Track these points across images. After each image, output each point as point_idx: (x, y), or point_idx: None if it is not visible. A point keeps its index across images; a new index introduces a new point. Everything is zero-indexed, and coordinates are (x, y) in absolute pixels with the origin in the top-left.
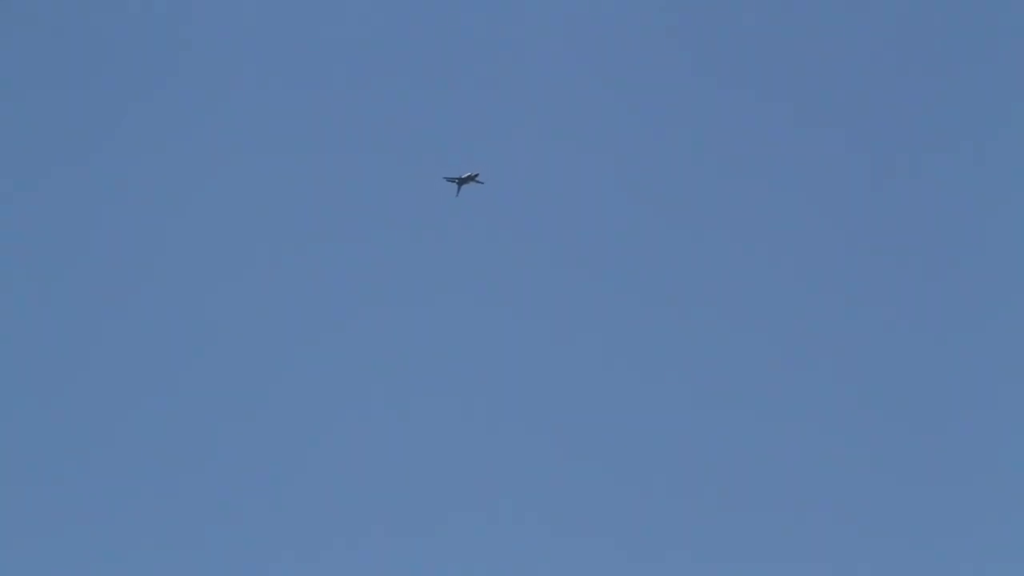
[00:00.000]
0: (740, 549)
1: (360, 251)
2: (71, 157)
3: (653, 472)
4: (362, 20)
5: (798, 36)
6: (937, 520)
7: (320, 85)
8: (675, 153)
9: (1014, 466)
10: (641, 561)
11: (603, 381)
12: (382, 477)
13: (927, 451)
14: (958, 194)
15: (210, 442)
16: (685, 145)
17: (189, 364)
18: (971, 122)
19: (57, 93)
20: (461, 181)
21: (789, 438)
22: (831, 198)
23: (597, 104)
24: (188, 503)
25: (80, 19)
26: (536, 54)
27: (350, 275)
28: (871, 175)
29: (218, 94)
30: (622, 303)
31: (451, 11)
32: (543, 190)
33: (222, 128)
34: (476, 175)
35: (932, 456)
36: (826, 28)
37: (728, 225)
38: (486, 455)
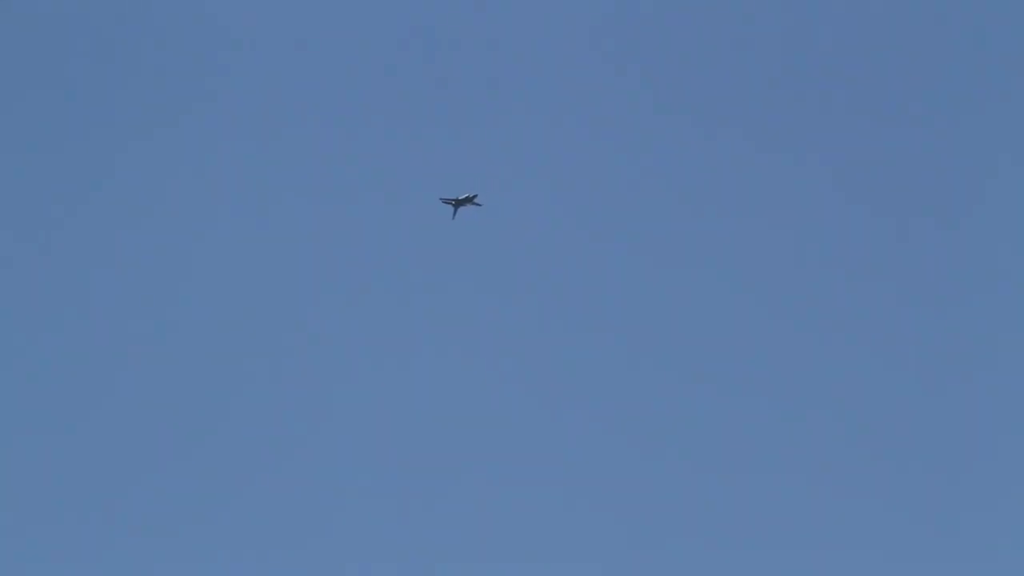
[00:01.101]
0: None
1: (357, 265)
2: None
3: (652, 519)
4: (358, 34)
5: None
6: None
7: (319, 105)
8: (671, 172)
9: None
10: None
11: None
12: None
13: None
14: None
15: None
16: (679, 165)
17: (186, 363)
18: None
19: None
20: (458, 203)
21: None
22: (827, 237)
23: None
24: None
25: (81, 24)
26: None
27: (343, 290)
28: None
29: (209, 103)
30: (616, 333)
31: (453, 31)
32: (543, 214)
33: (217, 140)
34: (474, 196)
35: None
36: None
37: (726, 256)
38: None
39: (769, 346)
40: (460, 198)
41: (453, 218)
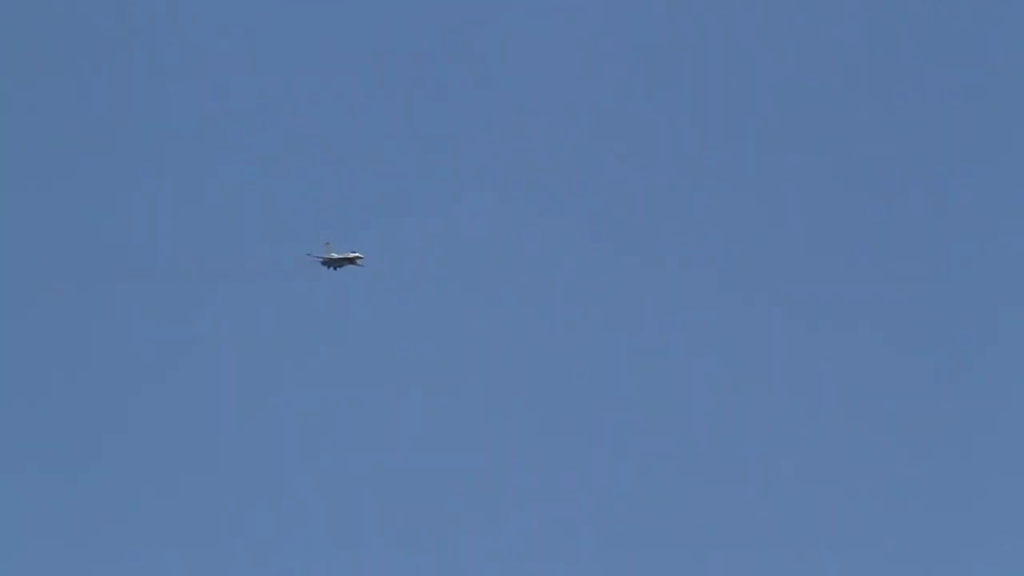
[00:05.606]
0: None
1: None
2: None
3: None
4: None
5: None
6: None
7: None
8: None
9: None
10: None
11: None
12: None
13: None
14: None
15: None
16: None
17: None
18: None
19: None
20: (334, 263)
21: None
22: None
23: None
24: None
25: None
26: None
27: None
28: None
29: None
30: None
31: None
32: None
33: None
34: (357, 257)
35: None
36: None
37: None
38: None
39: (767, 345)
40: (344, 256)
41: (335, 269)
